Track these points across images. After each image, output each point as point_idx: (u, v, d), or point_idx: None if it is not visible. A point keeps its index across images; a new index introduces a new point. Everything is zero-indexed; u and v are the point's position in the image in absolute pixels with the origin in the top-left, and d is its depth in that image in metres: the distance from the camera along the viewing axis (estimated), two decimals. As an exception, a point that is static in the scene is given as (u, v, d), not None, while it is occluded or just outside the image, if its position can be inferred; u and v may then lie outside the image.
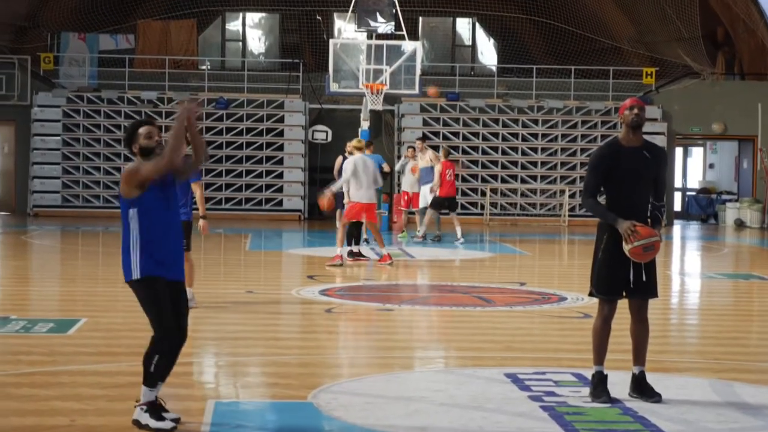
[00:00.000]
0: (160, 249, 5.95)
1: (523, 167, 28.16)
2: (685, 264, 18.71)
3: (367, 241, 18.20)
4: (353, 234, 16.19)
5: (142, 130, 6.10)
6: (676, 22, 27.55)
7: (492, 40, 31.94)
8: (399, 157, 25.25)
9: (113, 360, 7.39)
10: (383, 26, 23.18)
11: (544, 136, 28.32)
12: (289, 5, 30.75)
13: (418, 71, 22.64)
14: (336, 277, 13.97)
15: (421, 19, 31.01)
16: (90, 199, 27.40)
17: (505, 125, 28.38)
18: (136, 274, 5.89)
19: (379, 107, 22.41)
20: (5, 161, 28.46)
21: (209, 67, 30.44)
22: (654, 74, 28.41)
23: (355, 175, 15.08)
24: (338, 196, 16.12)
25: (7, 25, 28.45)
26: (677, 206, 31.52)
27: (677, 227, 27.98)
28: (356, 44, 23.05)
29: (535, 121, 28.43)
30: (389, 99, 24.82)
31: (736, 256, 20.62)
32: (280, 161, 27.92)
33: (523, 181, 28.05)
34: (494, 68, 31.02)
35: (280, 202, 27.74)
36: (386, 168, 19.81)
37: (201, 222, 10.52)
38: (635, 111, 6.65)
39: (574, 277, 14.87)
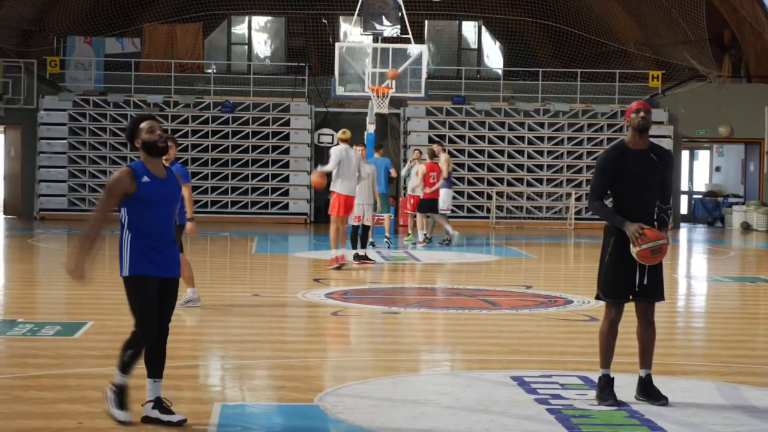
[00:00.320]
0: (152, 247, 5.99)
1: (529, 170, 28.15)
2: (692, 267, 18.68)
3: (373, 244, 18.21)
4: (356, 237, 16.17)
5: (143, 124, 6.14)
6: (682, 25, 27.52)
7: (498, 44, 31.94)
8: (405, 161, 25.26)
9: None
10: (389, 30, 23.19)
11: (550, 139, 28.31)
12: (295, 9, 30.79)
13: (424, 75, 22.64)
14: (342, 280, 13.97)
15: (427, 22, 31.02)
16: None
17: (511, 128, 28.38)
18: (125, 272, 6.00)
19: (385, 110, 22.42)
20: (12, 165, 28.51)
21: (215, 70, 30.47)
22: (660, 77, 28.38)
23: (339, 165, 14.85)
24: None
25: (14, 29, 28.51)
26: (684, 209, 31.47)
27: (684, 230, 27.94)
28: (362, 47, 23.07)
29: (541, 125, 28.42)
30: (395, 102, 24.83)
31: (742, 259, 20.58)
32: (286, 165, 27.94)
33: (529, 184, 28.03)
34: (500, 71, 31.02)
35: (286, 206, 27.75)
36: (393, 173, 19.79)
37: (188, 224, 10.49)
38: (642, 114, 6.65)
39: (580, 280, 14.85)
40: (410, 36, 22.56)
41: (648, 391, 6.66)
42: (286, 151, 28.00)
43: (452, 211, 21.89)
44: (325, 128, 28.05)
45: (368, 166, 16.31)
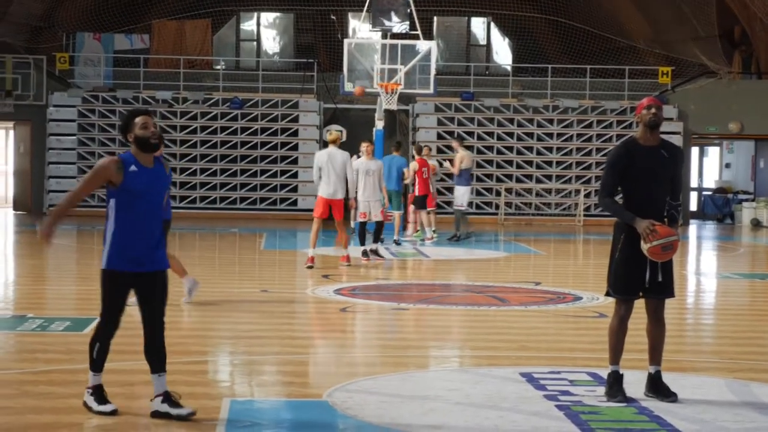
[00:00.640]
0: (134, 244, 6.04)
1: (538, 167, 28.11)
2: (702, 264, 18.63)
3: (382, 240, 18.19)
4: (363, 233, 16.15)
5: (138, 119, 6.13)
6: (692, 21, 27.43)
7: (507, 40, 31.88)
8: (413, 157, 25.24)
9: (129, 358, 7.40)
10: (398, 26, 23.16)
11: (559, 135, 28.26)
12: (303, 5, 30.79)
13: (433, 71, 22.60)
14: (350, 276, 13.97)
15: (435, 18, 30.97)
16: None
17: (520, 125, 28.34)
18: (103, 264, 6.12)
19: (394, 107, 22.39)
20: (21, 161, 28.58)
21: (224, 66, 30.50)
22: (670, 73, 28.31)
23: (322, 168, 14.76)
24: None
25: (23, 25, 28.56)
26: (693, 206, 31.39)
27: (693, 227, 27.87)
28: (371, 44, 23.05)
29: (550, 121, 28.37)
30: (404, 99, 24.81)
31: (752, 255, 20.53)
32: (295, 161, 27.94)
33: (538, 180, 28.00)
34: (509, 68, 30.96)
35: (295, 202, 27.76)
36: (407, 174, 19.65)
37: None
38: (653, 110, 6.62)
39: (589, 276, 14.83)
40: (419, 32, 22.52)
41: (657, 387, 6.64)
42: (295, 148, 28.01)
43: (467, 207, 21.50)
44: (334, 124, 28.04)
45: (374, 162, 16.28)
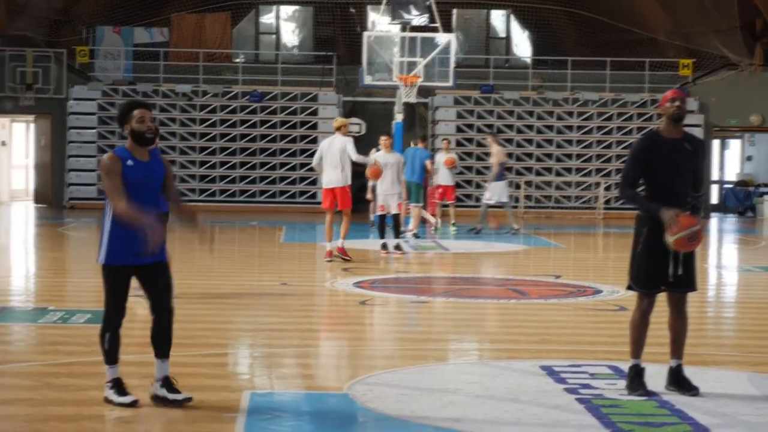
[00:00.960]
0: (132, 239, 6.03)
1: (558, 160, 28.02)
2: (723, 257, 18.53)
3: (404, 234, 18.16)
4: (383, 226, 16.09)
5: (135, 112, 6.12)
6: (713, 13, 27.24)
7: (527, 32, 31.76)
8: (433, 150, 25.20)
9: (150, 351, 7.40)
10: (417, 18, 23.14)
11: (579, 128, 28.16)
12: (322, -2, 30.76)
13: (452, 64, 22.57)
14: (370, 269, 13.97)
15: (455, 11, 30.89)
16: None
17: (540, 118, 28.25)
18: (101, 259, 6.16)
19: (413, 100, 22.36)
20: (42, 154, 28.71)
21: (243, 60, 30.52)
22: (691, 66, 28.14)
23: (323, 157, 14.52)
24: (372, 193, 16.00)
25: (43, 18, 28.68)
26: (714, 199, 31.21)
27: (714, 220, 27.72)
28: (390, 37, 23.03)
29: (570, 114, 28.26)
30: (423, 91, 24.77)
31: (773, 249, 20.39)
32: (314, 154, 27.88)
33: (558, 173, 27.91)
34: (529, 60, 30.86)
35: (314, 195, 27.76)
36: (429, 166, 19.51)
37: None
38: (677, 103, 6.58)
39: (610, 269, 14.77)
40: (438, 25, 22.48)
41: (679, 381, 6.61)
42: (314, 141, 27.98)
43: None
44: (353, 117, 28.03)
45: (392, 156, 16.25)
